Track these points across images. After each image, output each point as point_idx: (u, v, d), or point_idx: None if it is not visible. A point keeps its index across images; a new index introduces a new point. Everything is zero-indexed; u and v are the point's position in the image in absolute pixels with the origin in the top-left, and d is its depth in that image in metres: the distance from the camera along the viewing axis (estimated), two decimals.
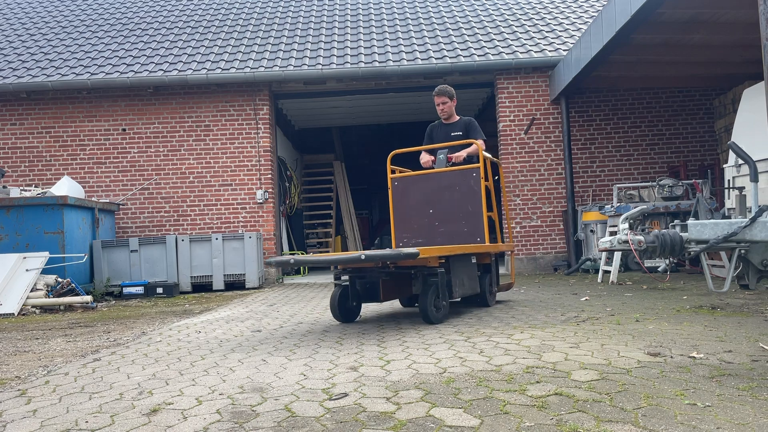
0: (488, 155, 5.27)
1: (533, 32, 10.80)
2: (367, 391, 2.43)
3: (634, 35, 6.99)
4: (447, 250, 4.32)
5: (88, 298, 6.86)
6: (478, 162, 5.12)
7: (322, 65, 9.79)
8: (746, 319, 3.81)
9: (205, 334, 4.25)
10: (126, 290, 8.21)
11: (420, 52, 10.10)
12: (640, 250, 3.90)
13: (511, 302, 5.39)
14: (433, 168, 5.37)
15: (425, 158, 5.50)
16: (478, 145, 5.17)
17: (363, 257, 3.62)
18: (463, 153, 5.29)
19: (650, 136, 10.05)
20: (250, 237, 8.67)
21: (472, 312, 4.80)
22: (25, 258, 7.00)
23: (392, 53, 10.10)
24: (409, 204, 5.33)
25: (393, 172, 5.49)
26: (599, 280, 7.22)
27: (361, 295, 4.58)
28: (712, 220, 4.06)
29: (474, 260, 4.86)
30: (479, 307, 5.04)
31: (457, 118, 5.70)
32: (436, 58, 9.77)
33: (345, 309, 4.53)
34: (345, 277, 4.57)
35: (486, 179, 5.11)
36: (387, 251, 3.78)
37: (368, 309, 5.42)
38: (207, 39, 11.14)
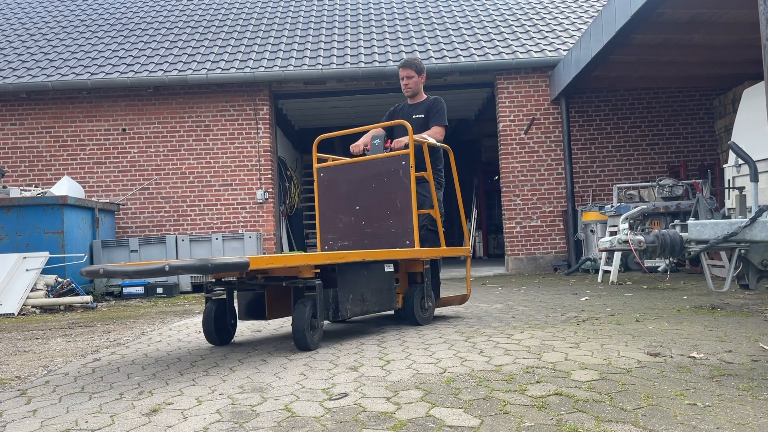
0: (431, 140, 4.38)
1: (533, 32, 10.80)
2: (367, 391, 2.43)
3: (634, 35, 7.00)
4: (326, 258, 3.45)
5: (88, 298, 6.87)
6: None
7: (322, 65, 9.79)
8: (746, 319, 3.81)
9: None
10: (126, 290, 8.21)
11: (420, 52, 10.10)
12: (640, 250, 3.91)
13: (511, 302, 5.39)
14: (364, 155, 4.50)
15: (358, 143, 4.64)
16: (433, 133, 4.41)
17: (167, 268, 2.80)
18: (404, 139, 4.33)
19: (650, 136, 10.05)
20: (250, 237, 8.67)
21: (472, 312, 4.80)
22: (25, 258, 7.00)
23: (392, 53, 10.10)
24: (335, 199, 4.52)
25: (325, 162, 4.68)
26: (599, 280, 7.22)
27: (244, 312, 3.75)
28: (712, 220, 4.06)
29: (388, 268, 3.98)
30: (409, 325, 4.14)
31: (424, 97, 4.87)
32: (436, 58, 9.77)
33: (222, 328, 3.70)
34: (219, 290, 3.73)
35: (423, 169, 4.31)
36: (193, 261, 2.90)
37: None
38: (207, 39, 11.14)
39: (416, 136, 4.30)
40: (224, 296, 3.74)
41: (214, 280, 3.77)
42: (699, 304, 4.62)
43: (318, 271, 3.45)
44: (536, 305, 5.07)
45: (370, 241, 4.36)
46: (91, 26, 12.42)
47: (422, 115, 4.75)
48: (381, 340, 3.61)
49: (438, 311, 4.91)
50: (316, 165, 4.63)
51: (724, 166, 6.85)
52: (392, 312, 4.23)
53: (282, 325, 4.59)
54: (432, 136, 4.49)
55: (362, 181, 4.39)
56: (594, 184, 9.93)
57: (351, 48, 10.49)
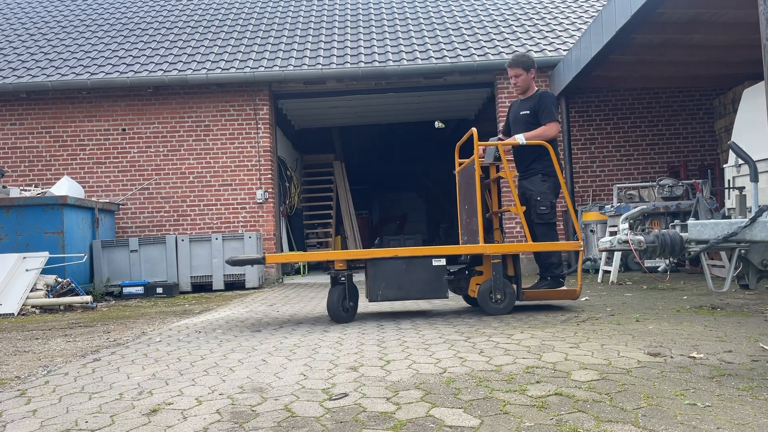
0: (519, 140, 4.71)
1: (533, 32, 10.80)
2: (367, 391, 2.43)
3: (634, 35, 6.99)
4: (354, 254, 4.62)
5: (88, 298, 6.86)
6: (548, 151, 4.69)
7: (322, 65, 9.79)
8: (746, 319, 3.81)
9: (205, 334, 4.25)
10: (126, 290, 8.21)
11: (420, 52, 10.10)
12: (640, 250, 3.91)
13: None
14: (482, 159, 4.94)
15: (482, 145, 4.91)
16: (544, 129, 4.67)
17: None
18: (510, 138, 4.78)
19: (650, 136, 10.05)
20: (250, 237, 8.67)
21: (472, 312, 4.80)
22: (25, 258, 7.00)
23: (392, 53, 10.09)
24: (460, 199, 5.27)
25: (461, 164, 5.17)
26: (599, 280, 7.22)
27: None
28: (712, 220, 4.06)
29: (438, 262, 4.56)
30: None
31: (533, 92, 4.99)
32: (436, 58, 9.77)
33: (344, 309, 4.62)
34: (343, 278, 4.65)
35: (486, 175, 4.85)
36: (247, 256, 4.50)
37: (368, 309, 5.42)
38: (207, 39, 11.14)
39: (509, 139, 4.87)
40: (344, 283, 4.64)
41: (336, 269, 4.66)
42: (699, 304, 4.62)
43: (358, 264, 4.73)
44: (536, 305, 5.06)
45: (470, 237, 4.95)
46: (91, 26, 12.42)
47: (528, 112, 4.94)
48: (381, 340, 3.61)
49: (446, 309, 4.92)
50: (456, 168, 5.29)
51: (724, 166, 6.85)
52: (446, 299, 4.81)
53: (282, 325, 4.59)
54: (540, 134, 4.78)
55: (466, 184, 5.05)
56: (594, 184, 9.93)
57: (351, 48, 10.49)
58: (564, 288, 4.82)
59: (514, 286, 4.65)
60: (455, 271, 4.97)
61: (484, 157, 4.99)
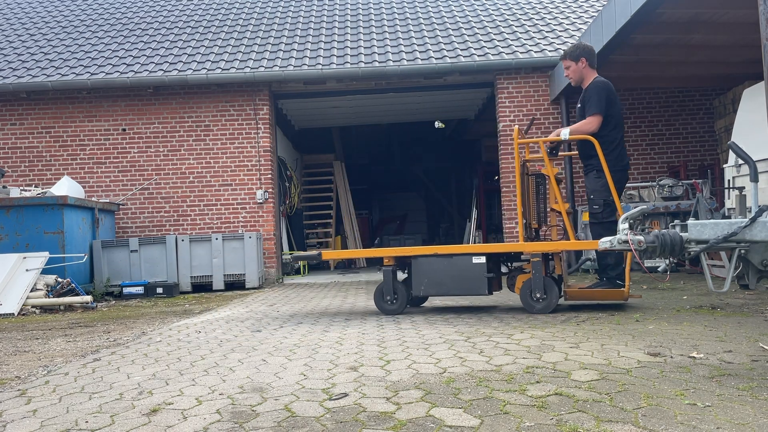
0: (562, 135, 4.66)
1: (533, 32, 10.80)
2: (367, 391, 2.43)
3: (634, 35, 6.99)
4: (400, 251, 4.95)
5: (88, 298, 6.86)
6: (592, 145, 4.61)
7: (322, 65, 9.79)
8: (746, 319, 3.81)
9: (205, 334, 4.26)
10: (126, 290, 8.21)
11: (420, 52, 10.10)
12: (640, 250, 3.90)
13: (511, 302, 5.39)
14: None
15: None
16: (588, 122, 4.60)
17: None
18: (553, 133, 4.75)
19: (650, 136, 10.05)
20: (250, 237, 8.66)
21: (472, 312, 4.80)
22: (25, 258, 7.00)
23: (392, 53, 10.09)
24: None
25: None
26: None
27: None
28: (712, 220, 4.05)
29: (477, 260, 4.68)
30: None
31: (590, 80, 4.86)
32: (436, 58, 9.76)
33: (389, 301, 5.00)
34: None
35: (529, 170, 4.88)
36: (304, 252, 4.91)
37: (369, 308, 5.42)
38: (207, 39, 11.14)
39: (552, 134, 4.79)
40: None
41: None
42: (699, 304, 4.62)
43: (404, 260, 4.99)
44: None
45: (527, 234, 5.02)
46: (91, 26, 12.41)
47: (579, 104, 4.82)
48: (381, 340, 3.61)
49: (444, 306, 4.92)
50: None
51: (724, 166, 6.85)
52: (485, 295, 4.87)
53: (282, 325, 4.60)
54: (579, 128, 4.67)
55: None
56: None
57: (351, 48, 10.49)
58: (610, 289, 4.65)
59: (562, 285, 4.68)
60: (513, 269, 5.08)
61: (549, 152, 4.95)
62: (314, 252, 5.57)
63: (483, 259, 4.68)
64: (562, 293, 4.69)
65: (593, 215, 4.76)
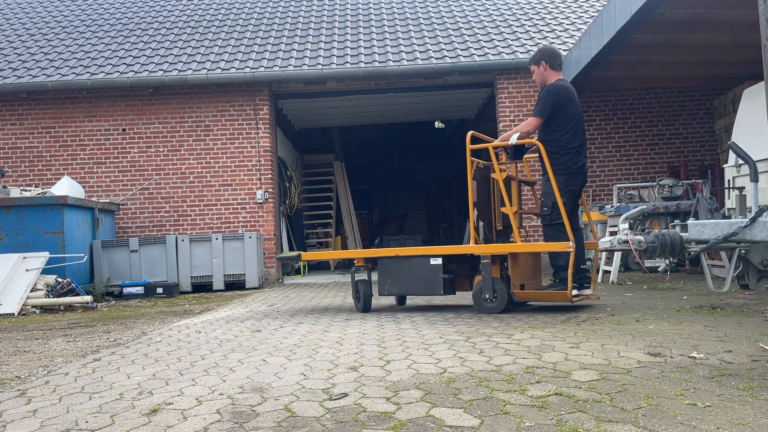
0: (508, 140, 4.72)
1: (533, 32, 10.80)
2: (367, 391, 2.43)
3: (634, 35, 6.99)
4: (367, 253, 5.37)
5: (88, 298, 6.86)
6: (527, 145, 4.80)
7: (322, 65, 9.79)
8: (746, 319, 3.81)
9: (205, 334, 4.26)
10: (126, 290, 8.21)
11: (420, 52, 10.10)
12: (640, 250, 3.91)
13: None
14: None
15: None
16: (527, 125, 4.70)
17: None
18: (500, 138, 4.88)
19: (650, 136, 10.05)
20: (250, 237, 8.66)
21: (472, 312, 4.80)
22: (25, 258, 7.00)
23: (392, 53, 10.09)
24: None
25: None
26: (599, 280, 7.22)
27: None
28: (712, 220, 4.06)
29: (434, 261, 4.88)
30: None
31: (552, 82, 4.89)
32: (436, 58, 9.76)
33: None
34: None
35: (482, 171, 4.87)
36: (285, 254, 5.30)
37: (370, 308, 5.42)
38: (207, 39, 11.14)
39: (498, 140, 4.91)
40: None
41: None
42: (699, 304, 4.62)
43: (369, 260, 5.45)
44: (536, 305, 5.06)
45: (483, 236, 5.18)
46: (91, 26, 12.42)
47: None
48: (381, 340, 3.61)
49: (446, 309, 4.92)
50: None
51: (724, 166, 6.85)
52: (441, 295, 5.04)
53: (282, 325, 4.60)
54: (519, 131, 4.73)
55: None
56: (594, 184, 9.93)
57: (351, 48, 10.49)
58: (558, 290, 4.64)
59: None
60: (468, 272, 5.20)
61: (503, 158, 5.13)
62: (294, 253, 6.07)
63: (440, 261, 4.85)
64: (511, 294, 4.67)
65: (543, 217, 4.77)
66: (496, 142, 4.86)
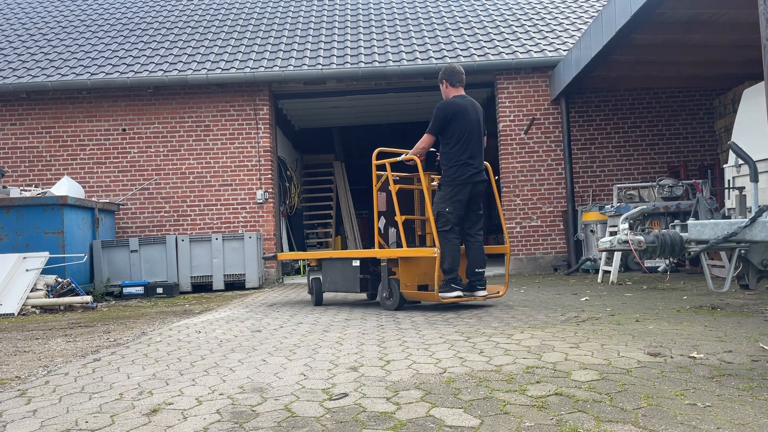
0: (404, 157, 5.31)
1: (533, 32, 10.80)
2: (367, 391, 2.43)
3: (634, 35, 6.99)
4: (317, 255, 6.39)
5: (88, 298, 6.86)
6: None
7: (322, 65, 9.79)
8: (746, 319, 3.81)
9: (205, 334, 4.26)
10: (126, 290, 8.21)
11: (420, 52, 10.10)
12: (640, 250, 3.91)
13: (511, 302, 5.39)
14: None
15: None
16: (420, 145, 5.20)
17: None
18: (401, 157, 5.37)
19: (650, 136, 10.05)
20: (250, 237, 8.66)
21: (473, 313, 4.80)
22: (25, 258, 7.00)
23: (392, 53, 10.10)
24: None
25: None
26: (599, 280, 7.22)
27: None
28: (712, 220, 4.06)
29: (355, 263, 5.58)
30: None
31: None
32: (436, 58, 9.76)
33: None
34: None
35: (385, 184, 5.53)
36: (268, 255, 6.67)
37: (369, 308, 5.42)
38: (207, 39, 11.14)
39: (402, 156, 5.37)
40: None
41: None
42: (699, 304, 4.62)
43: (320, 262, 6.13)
44: (536, 305, 5.07)
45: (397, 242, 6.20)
46: (91, 26, 12.41)
47: None
48: (381, 340, 3.61)
49: (446, 309, 4.92)
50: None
51: (724, 166, 6.85)
52: (357, 293, 5.75)
53: (282, 325, 4.60)
54: (415, 147, 5.21)
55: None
56: (594, 184, 9.93)
57: (351, 48, 10.49)
58: (442, 292, 4.91)
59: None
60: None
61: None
62: (272, 254, 6.82)
63: (358, 263, 5.55)
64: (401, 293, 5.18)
65: (435, 225, 5.07)
66: (392, 159, 5.45)
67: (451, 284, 4.89)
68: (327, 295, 7.08)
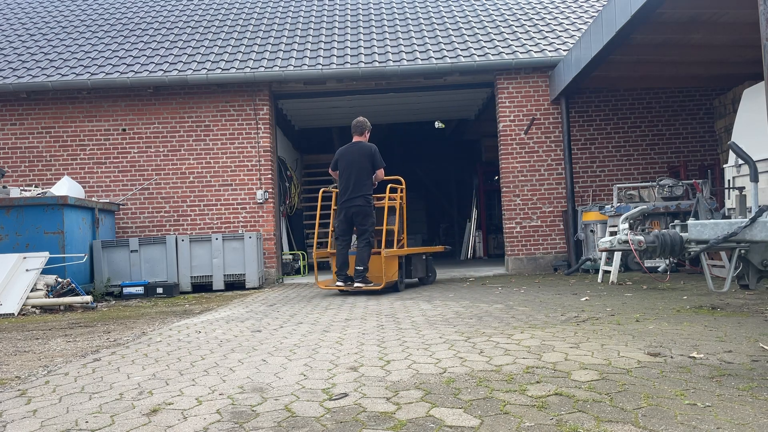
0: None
1: (533, 32, 10.80)
2: (367, 391, 2.43)
3: (634, 35, 6.99)
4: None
5: (88, 298, 6.86)
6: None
7: (322, 65, 9.79)
8: (746, 319, 3.81)
9: (205, 334, 4.26)
10: (126, 290, 8.21)
11: (420, 52, 10.10)
12: (640, 250, 3.90)
13: (511, 302, 5.39)
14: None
15: None
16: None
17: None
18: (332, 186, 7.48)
19: (650, 136, 10.05)
20: (250, 237, 8.66)
21: (473, 312, 4.80)
22: (25, 258, 7.00)
23: (392, 53, 10.10)
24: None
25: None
26: (599, 280, 7.22)
27: None
28: (712, 220, 4.06)
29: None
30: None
31: None
32: (436, 58, 9.77)
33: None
34: None
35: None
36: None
37: (369, 308, 5.42)
38: (207, 39, 11.14)
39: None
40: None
41: None
42: (699, 304, 4.62)
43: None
44: (536, 305, 5.07)
45: None
46: (91, 26, 12.41)
47: None
48: (381, 340, 3.61)
49: (447, 309, 4.93)
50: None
51: (724, 166, 6.85)
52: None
53: (282, 325, 4.60)
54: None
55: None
56: (594, 184, 9.93)
57: (351, 48, 10.49)
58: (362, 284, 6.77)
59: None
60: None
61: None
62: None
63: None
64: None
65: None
66: (323, 189, 7.71)
67: (368, 280, 6.86)
68: (327, 295, 7.09)
